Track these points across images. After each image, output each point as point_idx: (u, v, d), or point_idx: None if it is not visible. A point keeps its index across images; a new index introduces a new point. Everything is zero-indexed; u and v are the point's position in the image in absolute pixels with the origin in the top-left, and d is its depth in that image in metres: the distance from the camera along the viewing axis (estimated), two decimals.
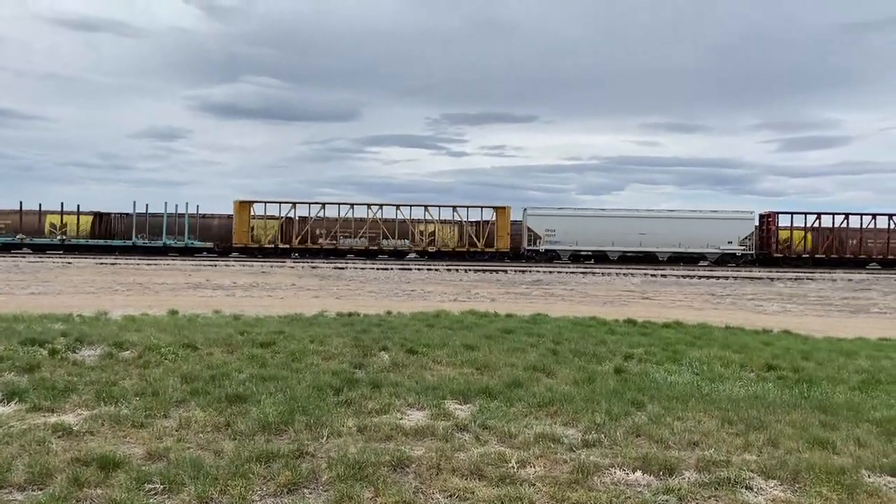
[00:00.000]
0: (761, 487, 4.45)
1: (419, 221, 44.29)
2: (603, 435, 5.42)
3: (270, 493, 4.18)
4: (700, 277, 32.24)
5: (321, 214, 43.83)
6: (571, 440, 5.30)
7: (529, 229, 43.27)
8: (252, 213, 43.36)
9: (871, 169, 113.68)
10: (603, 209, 45.51)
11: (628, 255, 42.78)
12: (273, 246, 42.86)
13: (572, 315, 13.93)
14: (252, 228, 43.17)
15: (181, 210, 43.35)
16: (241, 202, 43.21)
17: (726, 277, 32.45)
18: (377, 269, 33.59)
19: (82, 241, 42.83)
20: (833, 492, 4.32)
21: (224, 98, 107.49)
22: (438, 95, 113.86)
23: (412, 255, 43.97)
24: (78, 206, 43.40)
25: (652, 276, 32.72)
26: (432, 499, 4.16)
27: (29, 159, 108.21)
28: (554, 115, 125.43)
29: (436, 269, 34.35)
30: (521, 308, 15.77)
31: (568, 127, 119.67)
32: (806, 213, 44.32)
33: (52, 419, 5.51)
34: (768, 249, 43.66)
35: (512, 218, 44.31)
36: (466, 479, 4.41)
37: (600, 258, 42.96)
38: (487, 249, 43.44)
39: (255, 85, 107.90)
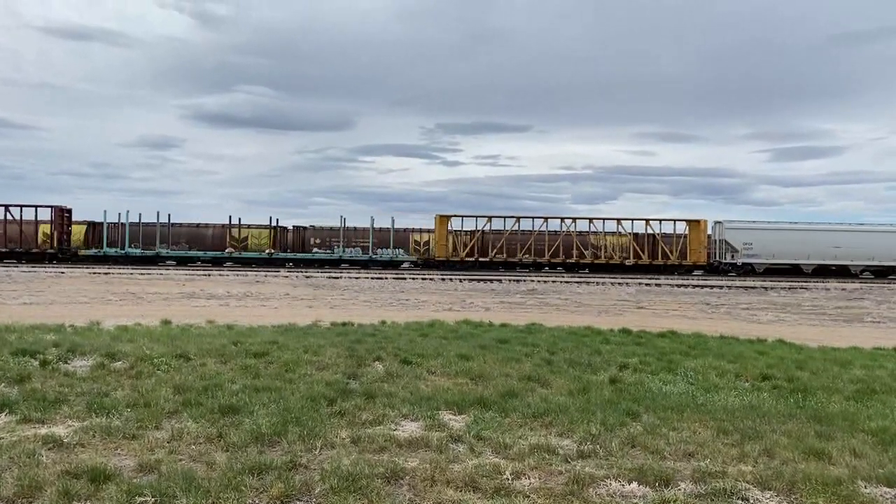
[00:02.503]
0: (757, 498, 4.43)
1: (609, 234, 44.02)
2: (598, 446, 5.39)
3: None
4: (694, 287, 32.30)
5: (516, 227, 44.24)
6: (566, 451, 5.27)
7: (726, 242, 42.91)
8: (450, 227, 43.81)
9: (863, 179, 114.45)
10: (797, 223, 44.81)
11: (822, 268, 42.48)
12: (474, 259, 43.36)
13: (567, 325, 13.91)
14: (449, 242, 43.66)
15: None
16: (441, 216, 43.75)
17: (720, 287, 32.51)
18: (371, 278, 33.52)
19: (289, 255, 43.85)
20: (829, 502, 4.31)
21: (217, 107, 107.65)
22: (433, 105, 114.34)
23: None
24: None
25: (646, 285, 32.75)
26: None
27: (20, 168, 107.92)
28: (548, 124, 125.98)
29: (430, 279, 34.31)
30: (515, 318, 15.75)
31: (562, 136, 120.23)
32: None
33: (43, 431, 5.45)
34: None
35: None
36: (461, 491, 4.37)
37: (793, 271, 42.71)
38: (684, 263, 43.25)
39: (249, 94, 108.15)
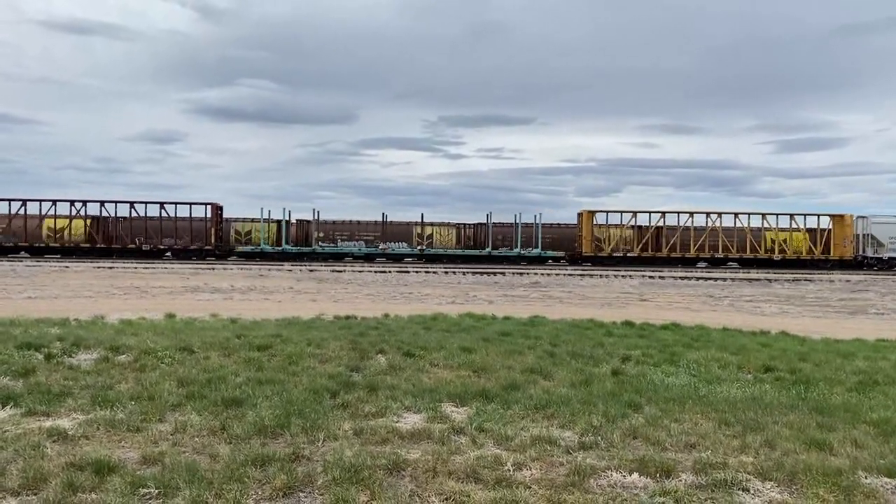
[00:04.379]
0: (758, 489, 4.44)
1: (768, 230, 43.93)
2: (600, 437, 5.41)
3: (266, 497, 4.16)
4: (698, 279, 32.25)
5: (660, 223, 44.28)
6: (568, 442, 5.29)
7: (872, 237, 42.75)
8: (594, 222, 43.97)
9: (867, 170, 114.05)
10: None
11: None
12: (622, 255, 43.45)
13: (570, 317, 13.92)
14: (596, 237, 43.81)
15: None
16: (589, 212, 43.90)
17: (724, 279, 32.47)
18: (375, 272, 33.57)
19: (450, 251, 44.05)
20: (830, 493, 4.31)
21: (219, 101, 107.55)
22: (435, 98, 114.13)
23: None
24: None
25: (650, 277, 32.72)
26: (428, 502, 4.15)
27: (23, 163, 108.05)
28: (551, 117, 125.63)
29: (433, 272, 34.34)
30: (518, 310, 15.77)
31: (565, 129, 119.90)
32: None
33: (48, 423, 5.49)
34: None
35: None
36: (462, 483, 4.40)
37: None
38: (829, 258, 43.05)
39: (251, 88, 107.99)
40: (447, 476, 4.50)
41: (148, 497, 4.10)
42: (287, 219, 44.36)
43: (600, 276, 33.64)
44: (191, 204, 43.62)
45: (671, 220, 44.57)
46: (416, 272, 34.08)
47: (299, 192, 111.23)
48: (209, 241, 43.29)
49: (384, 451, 4.92)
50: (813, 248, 43.33)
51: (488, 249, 43.98)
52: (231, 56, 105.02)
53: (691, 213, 44.19)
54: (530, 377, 7.60)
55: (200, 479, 4.28)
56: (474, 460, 4.77)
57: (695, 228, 43.76)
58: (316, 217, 45.55)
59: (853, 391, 7.31)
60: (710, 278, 32.73)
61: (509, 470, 4.64)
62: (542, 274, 33.98)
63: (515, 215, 44.48)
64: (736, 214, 44.07)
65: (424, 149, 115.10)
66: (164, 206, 43.46)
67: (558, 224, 46.48)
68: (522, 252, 43.50)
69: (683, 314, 16.54)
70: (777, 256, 43.43)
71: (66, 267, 33.03)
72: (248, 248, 43.56)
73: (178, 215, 43.45)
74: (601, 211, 44.61)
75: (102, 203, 43.33)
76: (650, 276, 33.18)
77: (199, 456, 4.81)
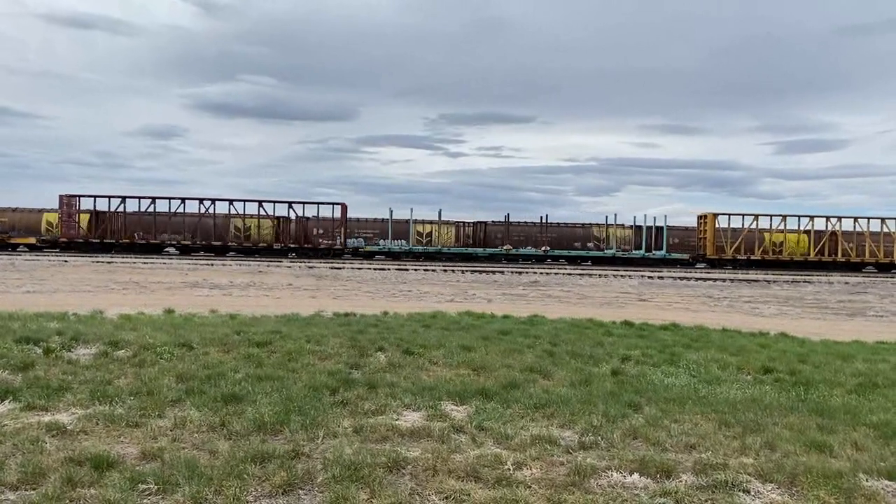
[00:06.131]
0: (759, 491, 4.43)
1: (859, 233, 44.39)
2: (600, 437, 5.40)
3: (265, 494, 4.15)
4: (697, 280, 32.26)
5: (781, 226, 44.47)
6: (568, 442, 5.28)
7: None
8: (717, 225, 44.30)
9: (868, 172, 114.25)
10: None
11: None
12: (746, 258, 43.86)
13: (569, 317, 13.91)
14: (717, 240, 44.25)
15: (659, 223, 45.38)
16: (713, 214, 44.33)
17: (723, 280, 32.47)
18: (373, 269, 33.54)
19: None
20: (830, 495, 4.31)
21: (220, 97, 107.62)
22: (436, 96, 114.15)
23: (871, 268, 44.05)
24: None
25: (649, 277, 32.72)
26: (428, 500, 4.14)
27: (24, 157, 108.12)
28: (552, 115, 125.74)
29: (433, 270, 34.32)
30: (518, 309, 15.76)
31: (566, 128, 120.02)
32: None
33: (46, 418, 5.47)
34: None
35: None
36: (462, 481, 4.39)
37: None
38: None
39: (252, 84, 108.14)
40: (447, 474, 4.49)
41: (147, 493, 4.09)
42: (412, 218, 45.06)
43: (599, 275, 33.63)
44: (318, 203, 44.26)
45: (792, 224, 44.91)
46: (415, 270, 34.05)
47: (299, 189, 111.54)
48: (336, 240, 43.89)
49: (384, 449, 4.90)
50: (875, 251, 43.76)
51: (613, 251, 44.55)
52: (232, 52, 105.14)
53: (784, 217, 44.51)
54: (530, 376, 7.59)
55: (200, 475, 4.27)
56: (474, 459, 4.76)
57: (788, 231, 44.17)
58: (439, 216, 46.14)
59: (853, 393, 7.30)
60: (709, 279, 32.73)
61: (509, 469, 4.63)
62: (542, 273, 33.95)
63: (635, 217, 46.59)
64: (827, 218, 44.33)
65: (425, 146, 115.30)
66: (293, 205, 44.08)
67: (684, 227, 47.04)
68: (647, 254, 44.18)
69: (683, 314, 16.54)
70: (856, 259, 43.71)
71: (65, 261, 32.99)
72: (377, 248, 44.09)
73: (305, 215, 44.14)
74: (724, 213, 44.89)
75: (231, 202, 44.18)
76: (649, 277, 33.18)
77: (199, 452, 4.79)
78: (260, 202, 44.07)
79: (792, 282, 32.42)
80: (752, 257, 43.97)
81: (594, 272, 35.61)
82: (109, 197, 43.56)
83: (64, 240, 42.63)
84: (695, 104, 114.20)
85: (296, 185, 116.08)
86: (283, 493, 4.17)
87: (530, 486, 4.35)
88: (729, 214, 44.75)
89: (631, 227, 45.93)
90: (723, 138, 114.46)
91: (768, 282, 32.04)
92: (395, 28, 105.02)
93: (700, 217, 45.55)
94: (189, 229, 43.89)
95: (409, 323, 11.72)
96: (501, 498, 4.12)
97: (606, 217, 46.56)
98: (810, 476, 4.56)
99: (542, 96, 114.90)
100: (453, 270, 34.34)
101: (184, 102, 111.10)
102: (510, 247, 44.89)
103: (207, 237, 43.55)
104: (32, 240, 43.15)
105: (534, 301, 19.80)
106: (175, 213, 43.65)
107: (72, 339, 8.64)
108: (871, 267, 44.17)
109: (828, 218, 44.52)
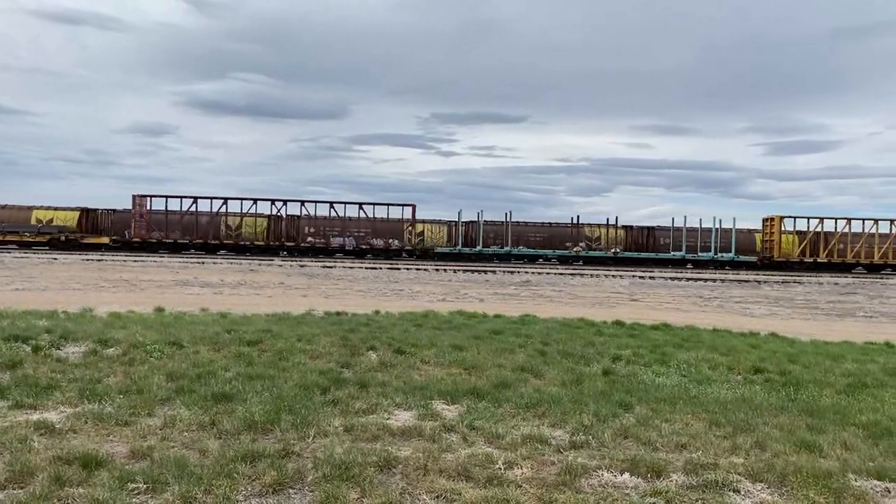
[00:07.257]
0: (749, 490, 4.45)
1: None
2: (590, 437, 5.40)
3: (255, 493, 4.13)
4: (688, 280, 32.37)
5: (846, 230, 44.47)
6: (559, 441, 5.28)
7: None
8: (783, 228, 44.38)
9: (858, 174, 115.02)
10: None
11: None
12: (799, 260, 43.96)
13: (561, 316, 13.93)
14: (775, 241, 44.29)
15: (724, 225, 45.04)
16: (780, 217, 44.46)
17: (714, 280, 32.61)
18: (365, 268, 33.50)
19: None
20: (820, 495, 4.32)
21: (211, 95, 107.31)
22: (428, 95, 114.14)
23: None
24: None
25: (640, 277, 32.81)
26: (419, 500, 4.13)
27: (13, 154, 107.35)
28: (544, 115, 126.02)
29: (424, 269, 34.30)
30: (509, 309, 15.77)
31: (558, 128, 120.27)
32: None
33: (35, 417, 5.43)
34: None
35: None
36: (453, 480, 4.38)
37: None
38: None
39: (243, 82, 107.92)
40: (438, 474, 4.48)
41: (136, 492, 4.06)
42: (482, 220, 45.15)
43: (591, 275, 33.69)
44: (388, 205, 44.59)
45: (856, 228, 44.89)
46: (407, 269, 34.02)
47: (291, 187, 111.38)
48: (406, 240, 44.22)
49: (375, 449, 4.89)
50: None
51: (682, 253, 44.54)
52: (224, 49, 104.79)
53: (849, 220, 44.58)
54: (521, 376, 7.59)
55: (189, 474, 4.24)
56: (465, 458, 4.75)
57: (853, 235, 44.26)
58: (509, 219, 46.07)
59: (842, 393, 7.34)
60: (699, 279, 32.85)
61: (500, 468, 4.62)
62: (533, 273, 33.99)
63: (701, 219, 45.48)
64: (892, 222, 44.36)
65: (417, 146, 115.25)
66: (363, 206, 44.46)
67: (748, 230, 46.92)
68: (716, 256, 44.24)
69: (674, 314, 16.59)
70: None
71: (55, 259, 32.79)
72: (447, 249, 44.19)
73: (376, 216, 44.49)
74: (789, 217, 44.97)
75: (303, 202, 44.83)
76: (640, 277, 33.27)
77: (189, 451, 4.77)
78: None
79: (783, 283, 32.57)
80: (819, 260, 43.99)
81: (586, 272, 35.67)
82: (181, 197, 44.30)
83: (137, 240, 42.81)
84: (687, 105, 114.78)
85: (288, 184, 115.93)
86: (273, 493, 4.15)
87: (521, 486, 4.35)
88: (794, 217, 44.96)
89: (696, 229, 45.42)
90: (714, 139, 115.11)
91: (759, 282, 32.18)
92: (389, 27, 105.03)
93: (766, 219, 45.59)
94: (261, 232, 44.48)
95: (400, 322, 11.71)
96: (492, 497, 4.12)
97: (673, 220, 46.60)
98: (800, 476, 4.58)
99: (535, 96, 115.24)
100: (445, 270, 34.33)
101: (175, 100, 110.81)
102: (580, 248, 45.09)
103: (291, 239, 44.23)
104: (106, 239, 43.08)
105: (526, 300, 19.82)
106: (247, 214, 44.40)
107: (61, 337, 8.58)
108: None
109: (892, 221, 44.41)
